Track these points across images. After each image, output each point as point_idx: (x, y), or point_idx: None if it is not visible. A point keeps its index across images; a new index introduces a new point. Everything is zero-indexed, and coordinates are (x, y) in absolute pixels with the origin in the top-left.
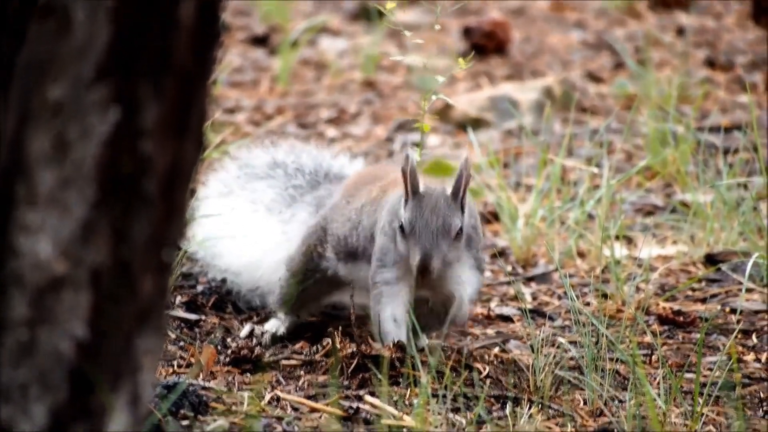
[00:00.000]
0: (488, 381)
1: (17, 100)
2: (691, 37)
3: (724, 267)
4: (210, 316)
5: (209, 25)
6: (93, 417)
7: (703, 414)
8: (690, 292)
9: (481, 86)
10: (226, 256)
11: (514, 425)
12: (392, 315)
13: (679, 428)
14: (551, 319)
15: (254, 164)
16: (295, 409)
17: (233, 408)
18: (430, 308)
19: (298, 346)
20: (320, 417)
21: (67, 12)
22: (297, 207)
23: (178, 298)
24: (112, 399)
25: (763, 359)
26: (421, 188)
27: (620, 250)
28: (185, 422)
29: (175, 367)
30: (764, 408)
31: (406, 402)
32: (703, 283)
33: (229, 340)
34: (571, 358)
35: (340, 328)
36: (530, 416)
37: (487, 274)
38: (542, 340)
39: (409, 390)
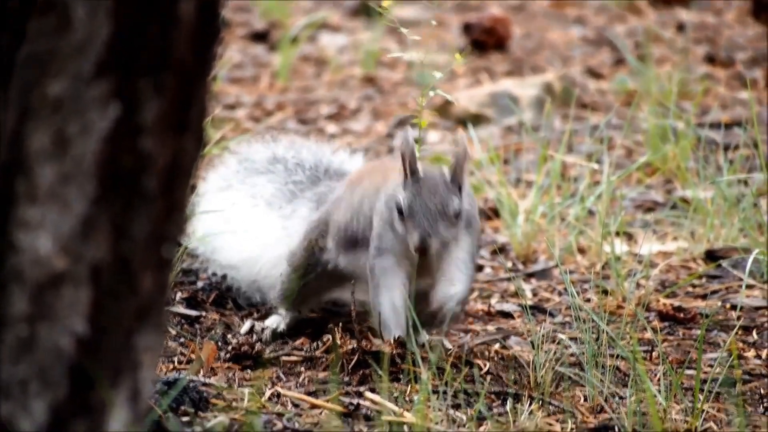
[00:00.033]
0: (489, 377)
1: (17, 96)
2: (691, 33)
3: (724, 263)
4: (210, 312)
5: (209, 21)
6: (93, 413)
7: (703, 410)
8: (690, 289)
9: (481, 82)
10: (226, 251)
11: (514, 422)
12: (391, 303)
13: (680, 425)
14: (552, 315)
15: (254, 159)
16: (296, 406)
17: (234, 404)
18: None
19: (298, 342)
20: (321, 413)
21: (67, 8)
22: (298, 203)
23: (179, 294)
24: (112, 395)
25: (764, 356)
26: (420, 170)
27: (620, 247)
28: (186, 418)
29: (176, 363)
30: (765, 404)
31: (407, 398)
32: (704, 280)
33: (229, 336)
34: (572, 355)
35: (340, 324)
36: (531, 413)
37: (488, 270)
38: (542, 336)
39: (409, 386)
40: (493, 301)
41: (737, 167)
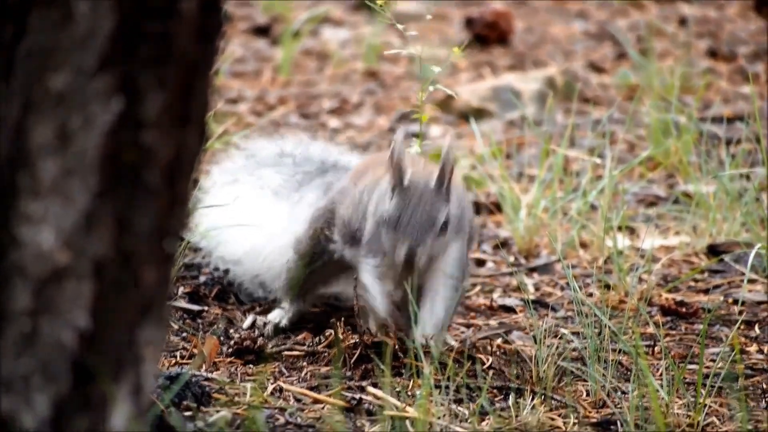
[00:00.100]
0: (491, 372)
1: (19, 89)
2: (693, 28)
3: (726, 258)
4: (213, 306)
5: (211, 15)
6: (95, 408)
7: (705, 405)
8: (692, 283)
9: (483, 76)
10: (231, 244)
11: (516, 416)
12: (380, 288)
13: (682, 419)
14: (554, 310)
15: (261, 154)
16: (298, 400)
17: (236, 399)
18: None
19: (300, 337)
20: (323, 408)
21: (69, 1)
22: (305, 190)
23: (181, 289)
24: (115, 390)
25: (766, 350)
26: (407, 180)
27: (623, 241)
28: (188, 413)
29: (178, 357)
30: (767, 399)
31: (409, 393)
32: (706, 274)
33: (231, 331)
34: (574, 349)
35: (342, 319)
36: (533, 407)
37: (490, 264)
38: (545, 331)
39: (411, 381)
40: (495, 295)
41: (739, 162)
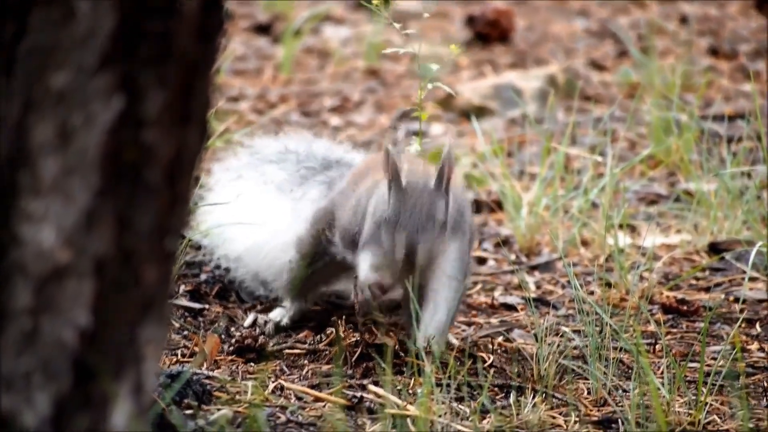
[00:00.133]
0: (492, 370)
1: (20, 88)
2: (694, 26)
3: (727, 256)
4: (214, 305)
5: (213, 13)
6: (96, 406)
7: (706, 403)
8: (693, 281)
9: (484, 74)
10: (233, 240)
11: (517, 414)
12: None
13: (683, 417)
14: (555, 308)
15: (265, 151)
16: (299, 399)
17: (237, 397)
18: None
19: (301, 335)
20: (324, 406)
21: (70, 0)
22: (308, 185)
23: (182, 287)
24: (116, 388)
25: (767, 348)
26: (404, 181)
27: (624, 239)
28: (189, 411)
29: (179, 356)
30: None
31: (410, 391)
32: (707, 272)
33: (233, 329)
34: (575, 347)
35: (343, 317)
36: (534, 405)
37: (491, 262)
38: (546, 329)
39: (413, 379)
40: (496, 293)
41: (740, 160)
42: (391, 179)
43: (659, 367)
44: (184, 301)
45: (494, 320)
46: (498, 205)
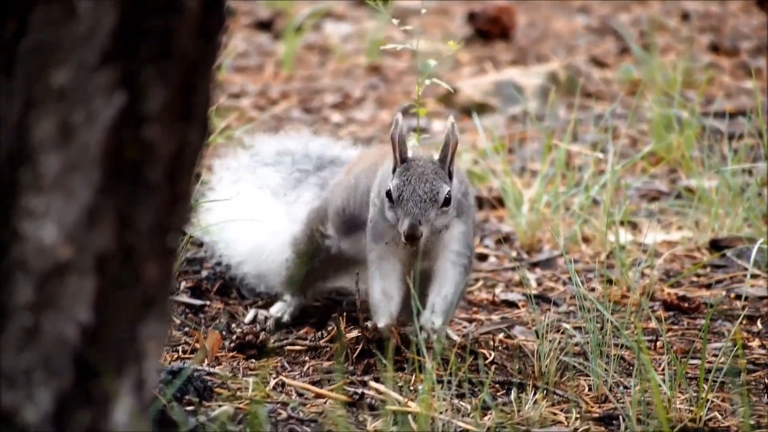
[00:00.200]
0: (493, 367)
1: (21, 85)
2: (695, 22)
3: (728, 253)
4: (215, 301)
5: (214, 9)
6: (97, 402)
7: (707, 400)
8: (695, 278)
9: (486, 71)
10: (234, 243)
11: (518, 411)
12: (382, 290)
13: (684, 414)
14: (556, 304)
15: (263, 152)
16: (300, 395)
17: (238, 393)
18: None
19: (302, 331)
20: (325, 402)
21: None
22: (302, 188)
23: (183, 284)
24: (117, 384)
25: None
26: (409, 155)
27: (625, 236)
28: (190, 408)
29: (180, 352)
30: None
31: (411, 388)
32: (708, 269)
33: (233, 325)
34: (576, 344)
35: (344, 314)
36: (535, 402)
37: (492, 259)
38: (547, 325)
39: (414, 376)
40: (497, 290)
41: (742, 156)
42: (395, 156)
43: (660, 364)
44: (185, 298)
45: (495, 317)
46: (499, 202)
